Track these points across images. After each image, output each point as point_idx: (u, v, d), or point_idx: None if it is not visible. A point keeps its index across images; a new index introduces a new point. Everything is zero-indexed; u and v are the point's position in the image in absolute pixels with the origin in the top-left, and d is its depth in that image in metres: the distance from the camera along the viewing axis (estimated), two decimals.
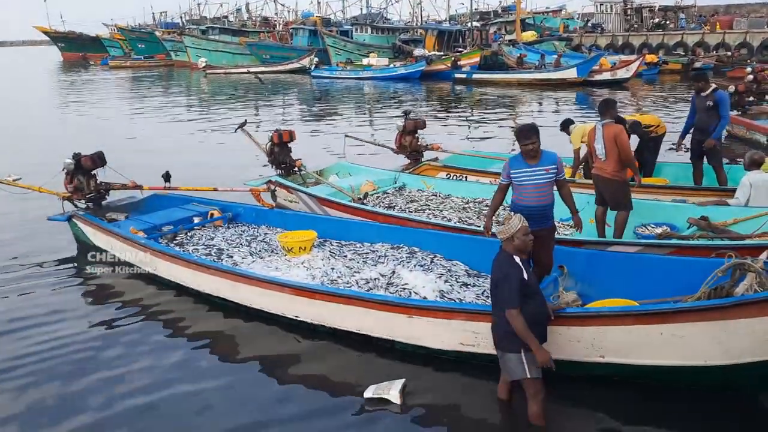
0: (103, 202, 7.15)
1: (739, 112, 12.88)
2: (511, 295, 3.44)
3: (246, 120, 8.75)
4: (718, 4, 47.13)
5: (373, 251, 6.00)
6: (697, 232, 5.49)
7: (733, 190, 6.70)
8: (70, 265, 6.65)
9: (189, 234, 6.68)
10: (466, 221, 6.68)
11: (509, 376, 3.64)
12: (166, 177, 7.03)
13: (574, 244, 5.34)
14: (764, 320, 3.32)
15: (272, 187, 7.47)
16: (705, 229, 5.47)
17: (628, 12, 42.72)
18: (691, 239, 5.33)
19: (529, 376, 3.49)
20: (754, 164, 6.10)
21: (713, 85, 7.40)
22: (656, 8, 43.44)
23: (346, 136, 9.63)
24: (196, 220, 6.95)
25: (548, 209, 4.51)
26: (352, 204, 7.13)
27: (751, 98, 13.43)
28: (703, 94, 7.31)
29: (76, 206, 7.02)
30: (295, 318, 4.93)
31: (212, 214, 7.07)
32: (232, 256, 6.00)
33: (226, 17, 56.93)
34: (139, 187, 7.08)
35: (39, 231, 7.53)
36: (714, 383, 3.78)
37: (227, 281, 5.28)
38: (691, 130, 7.68)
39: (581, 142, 7.46)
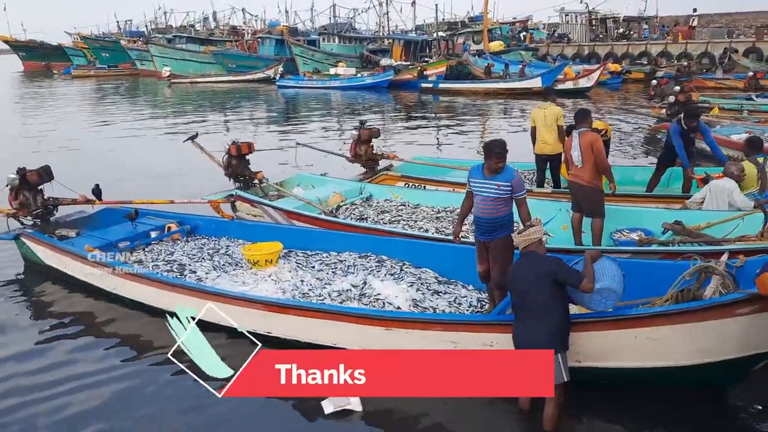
0: (52, 218, 6.75)
1: None
2: (575, 271, 3.56)
3: (197, 133, 8.34)
4: (679, 14, 48.49)
5: (341, 261, 5.86)
6: (674, 237, 5.49)
7: (673, 196, 7.07)
8: (19, 287, 6.25)
9: (147, 249, 6.39)
10: (443, 231, 6.52)
11: None
12: (96, 192, 6.74)
13: (558, 252, 5.25)
14: (731, 321, 3.49)
15: (232, 199, 7.20)
16: (680, 234, 5.46)
17: (594, 22, 43.64)
18: (671, 245, 5.33)
19: (566, 380, 3.44)
20: (732, 177, 6.13)
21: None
22: (620, 19, 44.53)
23: (297, 144, 9.39)
24: (154, 234, 6.65)
25: (496, 222, 4.44)
26: (324, 217, 6.90)
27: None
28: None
29: (22, 224, 6.60)
30: (267, 334, 4.68)
31: (170, 228, 6.77)
32: (195, 272, 5.76)
33: (192, 26, 56.20)
34: (90, 201, 6.75)
35: None
36: (688, 382, 3.85)
37: (194, 299, 5.00)
38: (665, 145, 7.82)
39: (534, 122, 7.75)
